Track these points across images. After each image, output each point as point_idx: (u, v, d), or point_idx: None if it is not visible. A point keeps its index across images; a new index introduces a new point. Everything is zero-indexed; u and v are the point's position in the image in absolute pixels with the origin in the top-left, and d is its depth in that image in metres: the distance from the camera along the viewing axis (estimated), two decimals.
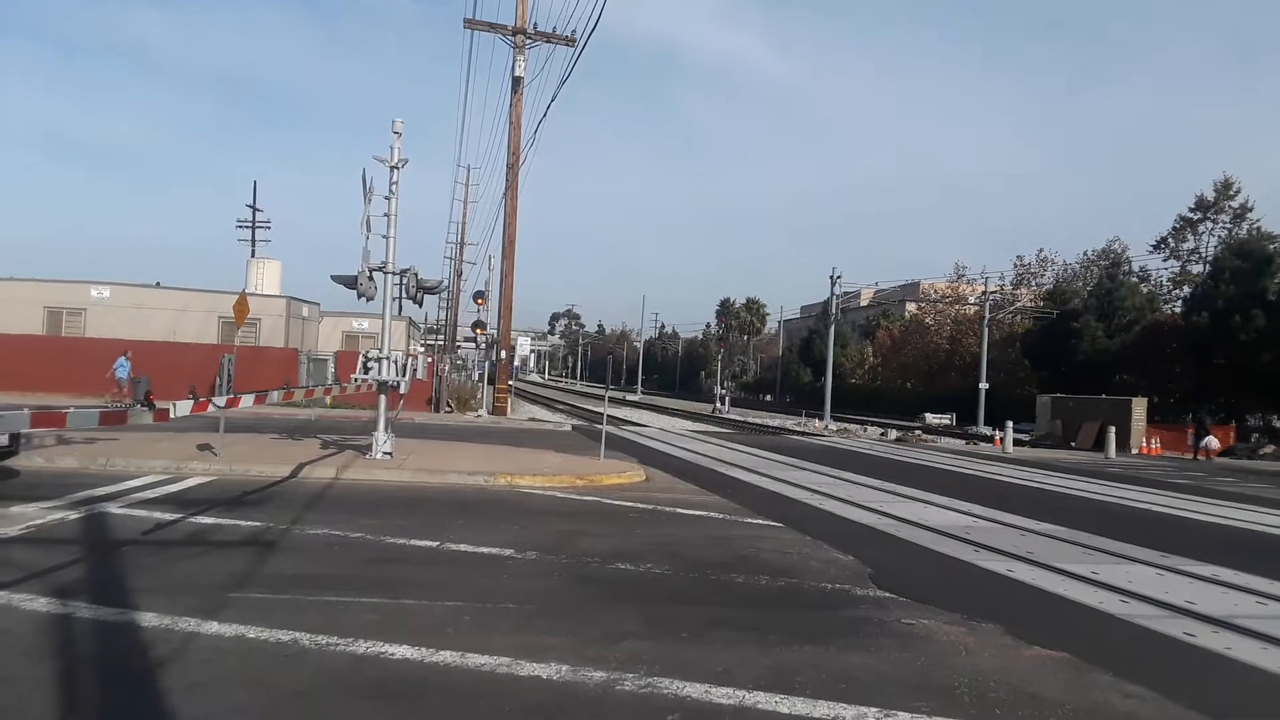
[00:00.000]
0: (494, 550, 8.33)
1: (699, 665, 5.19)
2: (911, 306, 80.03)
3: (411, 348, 49.14)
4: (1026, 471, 21.93)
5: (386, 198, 14.37)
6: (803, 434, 36.78)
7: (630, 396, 79.89)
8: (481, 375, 38.58)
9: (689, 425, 40.46)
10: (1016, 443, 31.11)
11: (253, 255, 50.32)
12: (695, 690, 4.77)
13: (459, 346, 60.80)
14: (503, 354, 32.71)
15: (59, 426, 6.50)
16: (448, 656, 5.12)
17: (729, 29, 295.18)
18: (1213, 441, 32.48)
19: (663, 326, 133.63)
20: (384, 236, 14.41)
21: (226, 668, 4.80)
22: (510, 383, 36.25)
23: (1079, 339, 48.10)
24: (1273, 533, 12.91)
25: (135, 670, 4.72)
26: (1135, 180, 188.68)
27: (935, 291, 73.27)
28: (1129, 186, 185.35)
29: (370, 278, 14.08)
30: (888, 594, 7.40)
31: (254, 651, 5.08)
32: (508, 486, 13.01)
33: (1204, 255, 55.24)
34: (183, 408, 8.15)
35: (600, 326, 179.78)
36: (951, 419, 52.43)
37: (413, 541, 8.53)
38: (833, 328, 53.20)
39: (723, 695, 4.72)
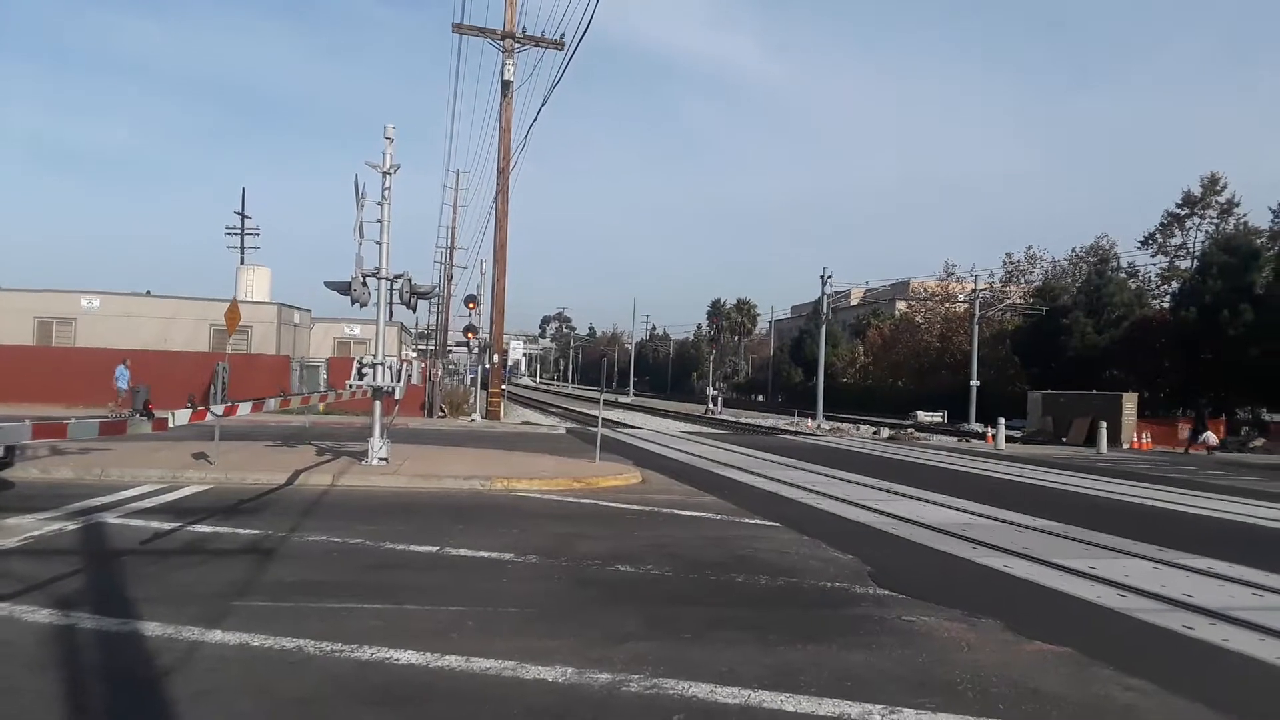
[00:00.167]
0: (493, 554, 8.34)
1: (703, 665, 5.21)
2: (902, 305, 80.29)
3: (404, 353, 49.10)
4: (1020, 468, 22.03)
5: (379, 203, 14.37)
6: (796, 433, 36.86)
7: (622, 399, 79.91)
8: (474, 380, 38.54)
9: (682, 426, 40.49)
10: (1008, 439, 31.23)
11: (242, 262, 50.21)
12: (701, 690, 4.79)
13: (450, 351, 60.69)
14: (495, 358, 32.68)
15: (60, 437, 6.49)
16: (453, 661, 5.12)
17: (721, 30, 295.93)
18: (1211, 436, 32.71)
19: (654, 328, 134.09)
20: (377, 242, 14.41)
21: (232, 676, 4.80)
22: (503, 387, 36.23)
23: (1068, 335, 48.36)
24: (1266, 525, 13.00)
25: (140, 680, 4.71)
26: (1123, 178, 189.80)
27: (925, 290, 73.54)
28: (1117, 184, 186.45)
29: (364, 284, 14.09)
30: (887, 592, 7.44)
31: (258, 659, 5.08)
32: (504, 491, 13.02)
33: (1191, 251, 55.57)
34: (181, 417, 8.14)
35: (591, 329, 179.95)
36: (943, 417, 52.61)
37: (412, 547, 8.53)
38: (824, 327, 53.31)
39: (728, 695, 4.74)
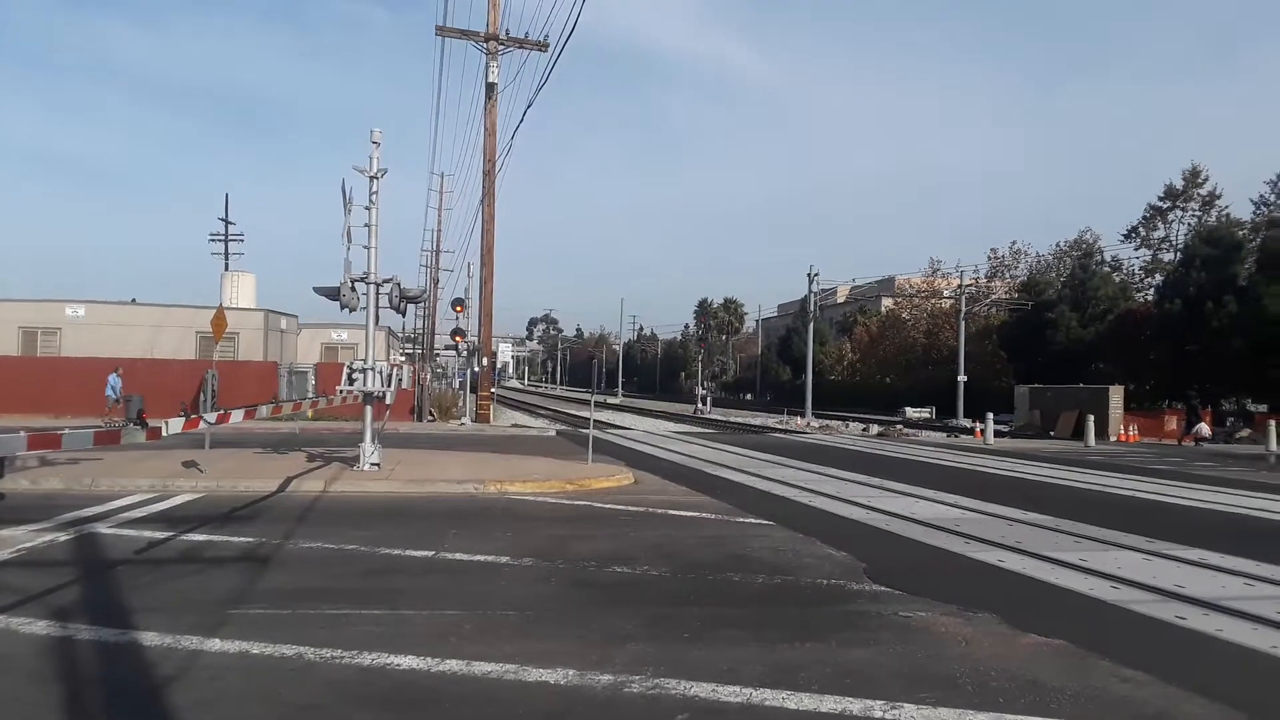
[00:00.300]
0: (489, 558, 8.35)
1: (703, 665, 5.23)
2: (888, 302, 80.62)
3: (393, 357, 48.98)
4: (1009, 462, 22.14)
5: (367, 208, 14.35)
6: (786, 432, 36.94)
7: (611, 400, 79.92)
8: (462, 383, 38.47)
9: (672, 427, 40.54)
10: (996, 434, 31.37)
11: (226, 269, 49.95)
12: (702, 690, 4.81)
13: (437, 354, 60.56)
14: (484, 361, 32.64)
15: (55, 448, 6.46)
16: (454, 665, 5.13)
17: (704, 29, 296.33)
18: (1204, 428, 32.94)
19: (641, 329, 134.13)
20: (365, 247, 14.38)
21: (233, 684, 4.80)
22: (493, 390, 36.19)
23: (1054, 329, 48.67)
24: (1256, 515, 13.11)
25: (141, 690, 4.70)
26: (1105, 172, 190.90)
27: (911, 286, 73.94)
28: (1099, 178, 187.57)
29: (353, 289, 14.05)
30: (883, 588, 7.48)
31: (259, 667, 5.08)
32: (498, 494, 13.01)
33: (1174, 243, 55.97)
34: (175, 425, 8.11)
35: (578, 330, 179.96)
36: (931, 412, 52.86)
37: (408, 552, 8.52)
38: (811, 325, 53.48)
39: (730, 694, 4.77)
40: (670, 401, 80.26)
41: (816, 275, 51.59)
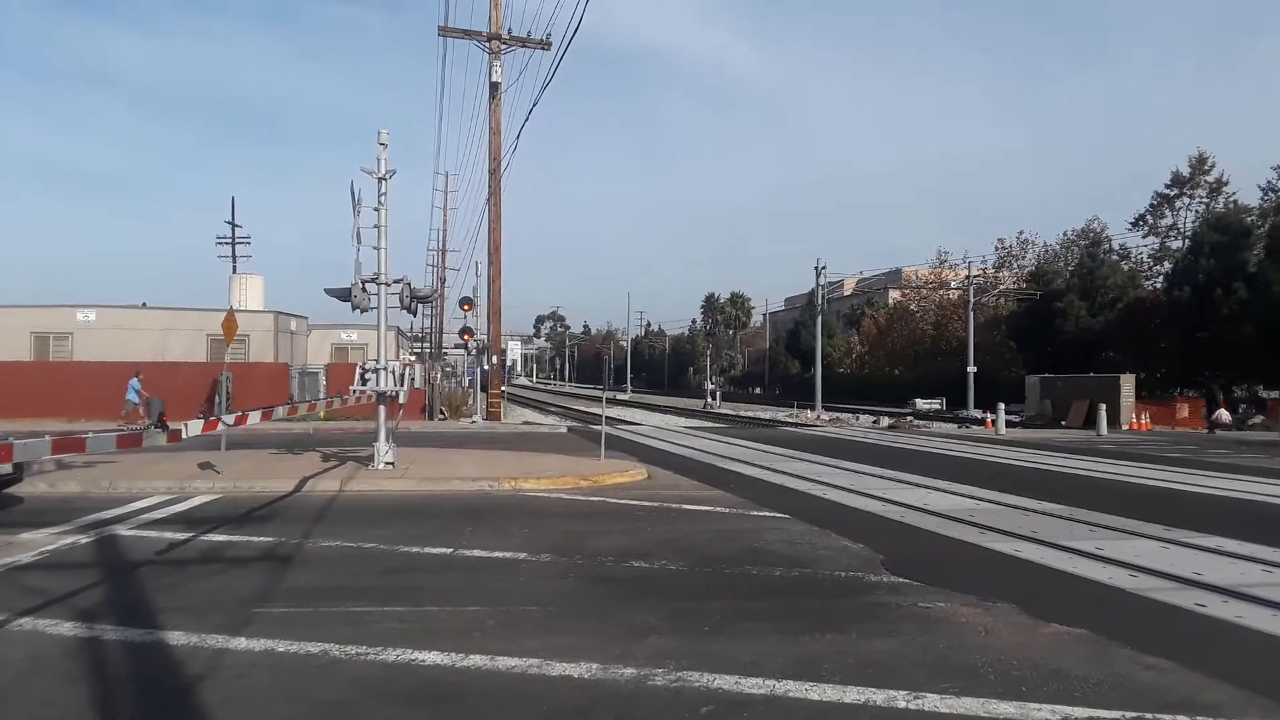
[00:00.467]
0: (507, 554, 8.38)
1: (726, 658, 5.26)
2: (895, 293, 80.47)
3: (403, 356, 49.09)
4: (1021, 452, 22.12)
5: (375, 209, 14.38)
6: (796, 425, 36.94)
7: (621, 396, 79.92)
8: (472, 381, 38.55)
9: (683, 421, 40.58)
10: (1007, 424, 31.33)
11: (234, 271, 50.07)
12: (725, 682, 4.84)
13: (445, 353, 60.67)
14: (494, 359, 32.71)
15: (79, 452, 6.52)
16: (478, 660, 5.17)
17: (703, 26, 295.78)
18: (1224, 415, 32.88)
19: (648, 325, 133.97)
20: (375, 248, 14.42)
21: (259, 682, 4.84)
22: (503, 388, 36.26)
23: (1063, 319, 48.50)
24: (1272, 502, 13.10)
25: (170, 689, 4.74)
26: (1111, 160, 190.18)
27: (918, 278, 73.81)
28: (1106, 166, 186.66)
29: (364, 289, 14.11)
30: (901, 579, 7.50)
31: (285, 665, 5.12)
32: (512, 491, 13.06)
33: (1182, 231, 55.73)
34: (194, 428, 8.18)
35: (586, 327, 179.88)
36: (941, 404, 52.78)
37: (426, 549, 8.57)
38: (820, 318, 53.38)
39: (753, 685, 4.79)
40: (679, 397, 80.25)
41: (824, 268, 51.40)
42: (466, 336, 35.16)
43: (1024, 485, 14.48)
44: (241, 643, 5.47)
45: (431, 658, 5.21)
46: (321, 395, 29.89)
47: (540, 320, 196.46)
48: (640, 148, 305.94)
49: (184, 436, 7.82)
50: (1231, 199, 52.61)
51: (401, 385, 14.55)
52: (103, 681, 4.83)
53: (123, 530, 9.44)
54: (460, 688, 4.78)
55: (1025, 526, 10.21)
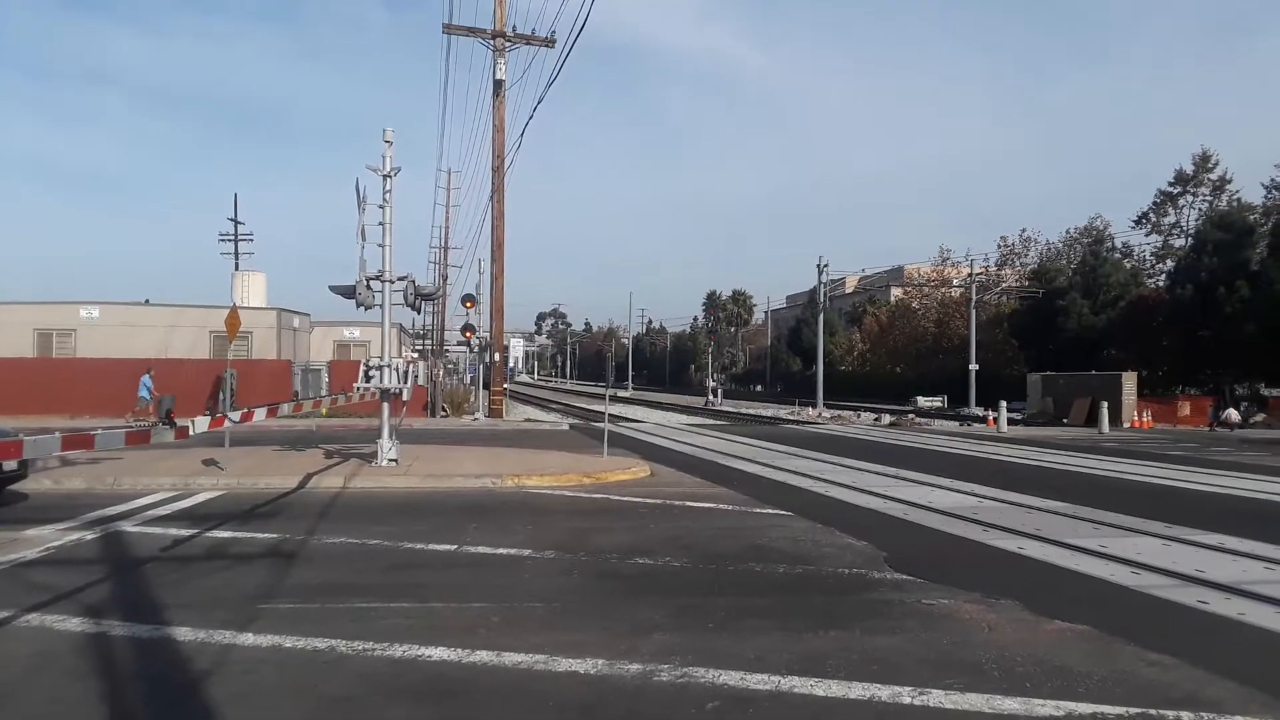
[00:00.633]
0: (512, 551, 8.41)
1: (731, 654, 5.28)
2: (897, 291, 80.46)
3: (405, 353, 49.13)
4: (1023, 450, 22.13)
5: (381, 206, 14.40)
6: (798, 423, 36.95)
7: (622, 393, 79.89)
8: (474, 378, 38.57)
9: (684, 419, 40.59)
10: (1009, 422, 31.33)
11: (236, 268, 50.11)
12: (731, 678, 4.86)
13: (447, 350, 60.68)
14: (496, 356, 32.73)
15: (88, 448, 6.54)
16: (484, 656, 5.19)
17: (704, 25, 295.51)
18: (1233, 414, 32.91)
19: (650, 322, 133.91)
20: (380, 245, 14.45)
21: (267, 678, 4.86)
22: (505, 385, 36.29)
23: (1065, 317, 48.47)
24: (1273, 500, 13.10)
25: (178, 685, 4.76)
26: (1114, 157, 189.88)
27: (920, 276, 73.76)
28: (1109, 164, 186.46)
29: (368, 287, 14.12)
30: (905, 576, 7.52)
31: (292, 661, 5.14)
32: (516, 488, 13.08)
33: (1185, 229, 55.64)
34: (201, 424, 8.20)
35: (587, 324, 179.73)
36: (943, 401, 52.79)
37: (430, 546, 8.60)
38: (821, 316, 53.38)
39: (758, 681, 4.81)
40: (680, 394, 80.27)
41: (826, 266, 51.43)
42: (469, 334, 35.18)
43: (1026, 483, 14.49)
44: (248, 638, 5.49)
45: (438, 653, 5.23)
46: (324, 392, 29.91)
47: (542, 317, 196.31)
48: (642, 145, 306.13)
49: (191, 433, 7.84)
50: (1235, 197, 52.53)
51: (405, 382, 14.57)
52: (110, 677, 4.86)
53: (128, 526, 9.47)
54: (466, 683, 4.81)
55: (1028, 524, 10.23)
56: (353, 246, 14.17)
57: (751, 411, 47.09)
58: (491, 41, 30.89)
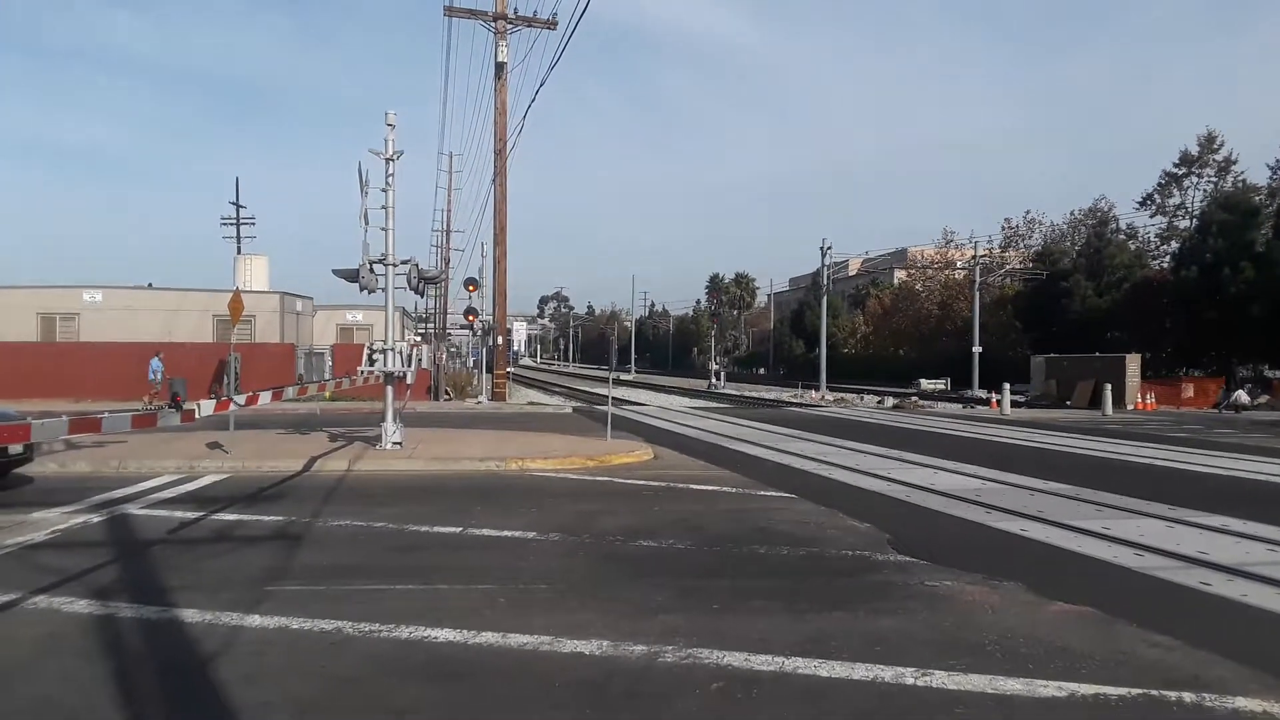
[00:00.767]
0: (516, 533, 8.44)
1: (735, 635, 5.31)
2: (901, 274, 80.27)
3: (408, 337, 49.16)
4: (1026, 432, 22.15)
5: (383, 190, 14.38)
6: (801, 405, 36.98)
7: (625, 376, 79.93)
8: (477, 362, 38.61)
9: (687, 402, 40.63)
10: (1012, 404, 31.34)
11: (239, 252, 50.09)
12: (735, 659, 4.89)
13: (449, 334, 60.70)
14: (499, 340, 32.75)
15: (96, 432, 6.59)
16: (490, 637, 5.22)
17: (704, 5, 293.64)
18: (1242, 396, 32.91)
19: (652, 305, 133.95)
20: (383, 229, 14.44)
21: (275, 659, 4.90)
22: (509, 368, 36.33)
23: (1069, 298, 48.39)
24: (1276, 482, 13.11)
25: (187, 666, 4.80)
26: (1119, 138, 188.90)
27: (924, 258, 73.51)
28: (1113, 145, 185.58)
29: (372, 270, 14.12)
30: (908, 558, 7.54)
31: (300, 641, 5.18)
32: (520, 471, 13.12)
33: (1190, 210, 55.41)
34: (207, 408, 8.22)
35: (590, 308, 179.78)
36: (946, 384, 52.73)
37: (435, 528, 8.63)
38: (825, 298, 53.32)
39: (762, 662, 4.84)
40: (683, 377, 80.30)
41: (829, 248, 51.36)
42: (472, 317, 35.20)
43: (1029, 465, 14.51)
44: (255, 620, 5.53)
45: (443, 635, 5.27)
46: (328, 376, 29.98)
47: (544, 301, 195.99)
48: (645, 128, 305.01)
49: (198, 417, 7.87)
50: (1240, 178, 52.35)
51: (409, 366, 14.60)
52: (119, 658, 4.89)
53: (134, 509, 9.51)
54: (472, 664, 4.84)
55: (1031, 506, 10.25)
56: (355, 230, 14.19)
57: (754, 394, 47.11)
58: (493, 24, 30.76)
